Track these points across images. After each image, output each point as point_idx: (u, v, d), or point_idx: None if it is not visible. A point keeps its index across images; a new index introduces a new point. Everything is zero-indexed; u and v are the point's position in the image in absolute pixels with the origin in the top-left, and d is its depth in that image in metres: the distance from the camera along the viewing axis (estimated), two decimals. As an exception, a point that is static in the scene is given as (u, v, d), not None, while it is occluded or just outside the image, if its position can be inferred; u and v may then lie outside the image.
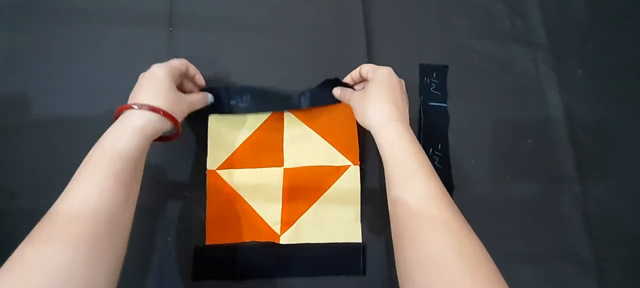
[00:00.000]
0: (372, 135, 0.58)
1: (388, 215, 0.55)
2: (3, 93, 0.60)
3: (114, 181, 0.41)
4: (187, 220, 0.55)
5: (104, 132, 0.57)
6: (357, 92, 0.54)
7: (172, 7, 0.64)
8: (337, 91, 0.57)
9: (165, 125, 0.47)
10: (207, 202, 0.56)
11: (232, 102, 0.57)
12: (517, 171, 0.58)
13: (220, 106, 0.57)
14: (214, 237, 0.55)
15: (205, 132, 0.58)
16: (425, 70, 0.62)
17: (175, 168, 0.57)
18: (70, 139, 0.58)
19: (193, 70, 0.54)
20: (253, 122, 0.59)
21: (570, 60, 0.64)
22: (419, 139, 0.58)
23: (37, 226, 0.38)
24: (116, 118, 0.47)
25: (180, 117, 0.49)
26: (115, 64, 0.61)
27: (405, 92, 0.53)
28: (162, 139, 0.50)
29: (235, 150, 0.58)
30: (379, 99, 0.50)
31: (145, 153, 0.46)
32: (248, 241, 0.55)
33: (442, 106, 0.61)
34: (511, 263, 0.55)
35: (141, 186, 0.56)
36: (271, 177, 0.57)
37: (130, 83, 0.60)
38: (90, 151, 0.43)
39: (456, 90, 0.62)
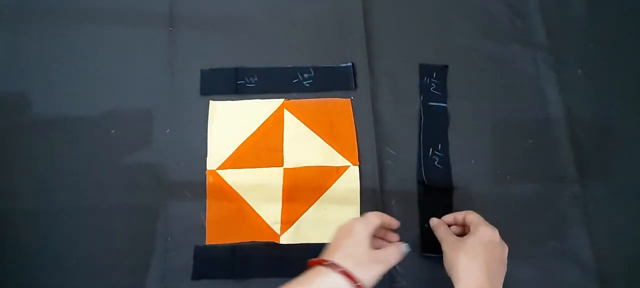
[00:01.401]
0: (371, 135, 0.59)
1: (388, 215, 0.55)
2: (3, 93, 0.60)
3: None
4: (187, 220, 0.55)
5: (104, 132, 0.57)
6: (452, 237, 0.49)
7: (172, 7, 0.64)
8: (434, 220, 0.53)
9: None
10: (207, 202, 0.56)
11: (240, 83, 0.59)
12: (517, 171, 0.58)
13: (227, 87, 0.59)
14: (214, 237, 0.55)
15: (205, 132, 0.58)
16: (425, 70, 0.62)
17: (175, 168, 0.57)
18: (70, 139, 0.58)
19: (387, 219, 0.49)
20: (253, 122, 0.59)
21: (570, 60, 0.63)
22: (419, 139, 0.58)
23: None
24: (308, 267, 0.43)
25: (370, 284, 0.43)
26: (115, 64, 0.61)
27: (505, 260, 0.48)
28: None
29: (235, 150, 0.58)
30: (473, 261, 0.45)
31: None
32: (248, 241, 0.55)
33: (442, 106, 0.60)
34: (511, 263, 0.54)
35: (141, 186, 0.56)
36: (271, 177, 0.57)
37: (130, 83, 0.60)
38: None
39: (456, 90, 0.62)
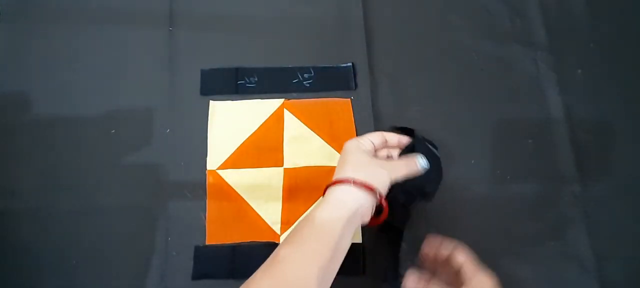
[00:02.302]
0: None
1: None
2: (3, 93, 0.60)
3: (316, 266, 0.38)
4: (187, 220, 0.55)
5: (103, 132, 0.57)
6: None
7: (172, 7, 0.64)
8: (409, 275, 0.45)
9: (365, 199, 0.42)
10: (207, 202, 0.56)
11: (240, 83, 0.59)
12: (517, 171, 0.58)
13: (227, 87, 0.59)
14: (214, 237, 0.55)
15: (205, 132, 0.58)
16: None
17: (175, 168, 0.57)
18: (70, 139, 0.58)
19: (394, 139, 0.48)
20: (253, 122, 0.59)
21: (570, 60, 0.63)
22: None
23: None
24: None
25: (382, 188, 0.42)
26: (115, 64, 0.61)
27: None
28: (373, 221, 0.44)
29: (235, 150, 0.58)
30: None
31: (349, 235, 0.41)
32: (248, 241, 0.55)
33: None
34: (511, 263, 0.55)
35: (141, 186, 0.56)
36: (271, 177, 0.57)
37: (130, 83, 0.60)
38: (300, 223, 0.42)
39: (456, 90, 0.62)
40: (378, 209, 0.44)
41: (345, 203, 0.41)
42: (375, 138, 0.47)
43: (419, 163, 0.46)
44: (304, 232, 0.40)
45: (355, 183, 0.41)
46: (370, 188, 0.41)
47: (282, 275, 0.37)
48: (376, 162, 0.44)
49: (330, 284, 0.39)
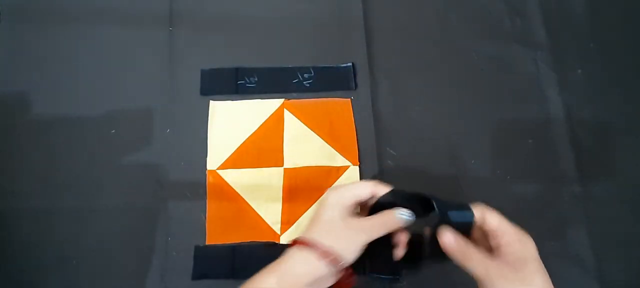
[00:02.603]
0: (371, 135, 0.59)
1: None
2: (3, 93, 0.60)
3: None
4: (187, 220, 0.55)
5: (103, 132, 0.57)
6: (494, 262, 0.38)
7: (172, 7, 0.64)
8: (450, 238, 0.39)
9: (328, 272, 0.38)
10: (207, 202, 0.56)
11: (240, 83, 0.59)
12: (517, 171, 0.58)
13: (227, 87, 0.59)
14: (214, 237, 0.55)
15: (205, 132, 0.58)
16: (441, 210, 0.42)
17: (175, 169, 0.57)
18: (70, 139, 0.58)
19: (381, 190, 0.42)
20: (253, 122, 0.59)
21: (570, 60, 0.63)
22: None
23: None
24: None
25: (349, 256, 0.39)
26: (115, 64, 0.61)
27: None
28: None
29: (235, 150, 0.58)
30: None
31: None
32: (248, 241, 0.55)
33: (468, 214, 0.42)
34: (511, 263, 0.55)
35: (141, 186, 0.56)
36: (271, 177, 0.57)
37: (130, 83, 0.60)
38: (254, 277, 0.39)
39: (456, 90, 0.62)
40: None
41: (303, 277, 0.38)
42: (362, 191, 0.42)
43: (398, 218, 0.41)
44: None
45: (318, 251, 0.38)
46: (334, 260, 0.38)
47: None
48: (352, 224, 0.40)
49: None
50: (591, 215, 0.57)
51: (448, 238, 0.39)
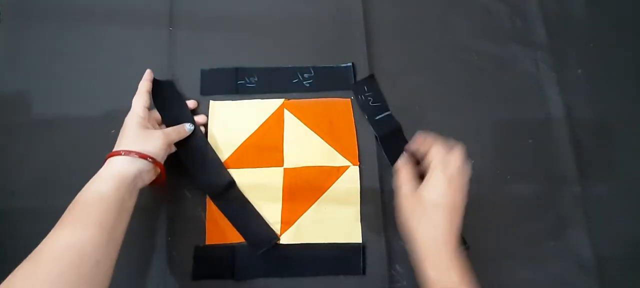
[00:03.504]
0: (371, 135, 0.59)
1: (388, 215, 0.55)
2: (3, 93, 0.60)
3: (99, 227, 0.42)
4: (187, 220, 0.55)
5: (103, 132, 0.57)
6: (409, 186, 0.48)
7: (172, 7, 0.64)
8: (399, 163, 0.51)
9: (144, 167, 0.48)
10: (207, 201, 0.56)
11: (240, 83, 0.60)
12: (517, 171, 0.58)
13: (227, 87, 0.60)
14: (214, 237, 0.54)
15: (206, 132, 0.58)
16: (356, 88, 0.60)
17: (175, 169, 0.57)
18: (70, 139, 0.58)
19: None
20: (253, 122, 0.59)
21: (570, 60, 0.63)
22: (385, 158, 0.58)
23: (21, 265, 0.38)
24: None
25: (159, 156, 0.50)
26: (115, 64, 0.61)
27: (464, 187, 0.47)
28: (155, 181, 0.51)
29: (235, 150, 0.58)
30: (435, 220, 0.44)
31: (130, 198, 0.47)
32: (248, 241, 0.55)
33: (387, 114, 0.59)
34: (511, 263, 0.55)
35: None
36: (271, 177, 0.57)
37: (130, 83, 0.60)
38: (77, 196, 0.44)
39: (456, 90, 0.62)
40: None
41: (123, 174, 0.46)
42: (141, 100, 0.53)
43: (187, 128, 0.55)
44: (89, 209, 0.43)
45: (132, 153, 0.47)
46: (144, 157, 0.48)
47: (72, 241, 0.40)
48: (151, 132, 0.51)
49: (121, 240, 0.44)
50: (591, 215, 0.57)
51: (400, 161, 0.52)
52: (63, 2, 0.64)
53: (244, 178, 0.57)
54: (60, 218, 0.42)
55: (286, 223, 0.55)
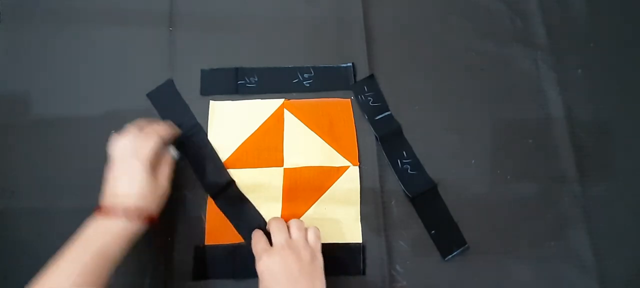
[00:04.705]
0: (371, 135, 0.59)
1: (388, 215, 0.56)
2: (3, 93, 0.60)
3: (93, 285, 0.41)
4: (187, 220, 0.55)
5: (103, 131, 0.57)
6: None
7: (172, 7, 0.64)
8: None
9: (147, 225, 0.47)
10: (207, 201, 0.56)
11: (240, 83, 0.60)
12: (517, 171, 0.58)
13: (227, 87, 0.60)
14: (214, 237, 0.55)
15: (206, 132, 0.58)
16: (356, 88, 0.60)
17: (175, 169, 0.57)
18: (70, 139, 0.58)
19: (166, 133, 0.52)
20: (253, 122, 0.59)
21: (570, 60, 0.63)
22: (386, 158, 0.58)
23: None
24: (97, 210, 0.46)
25: (159, 208, 0.48)
26: (115, 64, 0.61)
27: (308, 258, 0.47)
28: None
29: (235, 150, 0.58)
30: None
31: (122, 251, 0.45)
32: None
33: (387, 115, 0.60)
34: (511, 263, 0.55)
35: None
36: (271, 177, 0.57)
37: (130, 83, 0.60)
38: (74, 244, 0.43)
39: (456, 90, 0.62)
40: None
41: (132, 238, 0.44)
42: (164, 131, 0.49)
43: (171, 154, 0.53)
44: (93, 269, 0.41)
45: (145, 220, 0.44)
46: (153, 221, 0.45)
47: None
48: (157, 184, 0.47)
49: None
50: (591, 215, 0.57)
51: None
52: (63, 2, 0.64)
53: (244, 178, 0.57)
54: (54, 268, 0.41)
55: (286, 223, 0.55)
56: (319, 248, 0.48)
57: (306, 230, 0.49)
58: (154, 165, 0.48)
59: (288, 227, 0.49)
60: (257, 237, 0.50)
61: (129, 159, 0.47)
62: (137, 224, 0.45)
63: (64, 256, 0.42)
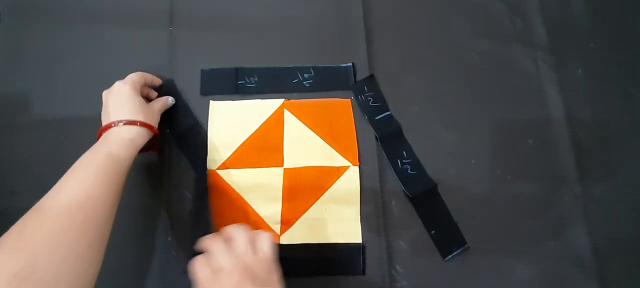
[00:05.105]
0: (371, 135, 0.59)
1: (388, 215, 0.56)
2: (3, 93, 0.60)
3: (107, 186, 0.44)
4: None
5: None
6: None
7: (172, 7, 0.64)
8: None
9: (148, 136, 0.51)
10: (207, 202, 0.56)
11: (240, 83, 0.60)
12: (517, 171, 0.58)
13: (227, 87, 0.60)
14: (214, 237, 0.55)
15: (206, 132, 0.58)
16: (356, 88, 0.60)
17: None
18: (70, 139, 0.58)
19: (149, 77, 0.57)
20: (253, 122, 0.59)
21: (570, 60, 0.63)
22: (386, 158, 0.58)
23: (30, 215, 0.41)
24: (98, 138, 0.49)
25: (155, 125, 0.52)
26: (115, 64, 0.61)
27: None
28: (143, 150, 0.52)
29: (235, 150, 0.58)
30: None
31: (131, 164, 0.48)
32: (248, 241, 0.55)
33: (387, 115, 0.60)
34: (511, 263, 0.55)
35: (141, 186, 0.57)
36: (271, 177, 0.57)
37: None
38: (83, 155, 0.46)
39: (456, 90, 0.62)
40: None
41: (134, 141, 0.49)
42: (138, 78, 0.54)
43: (170, 101, 0.58)
44: (105, 170, 0.45)
45: (140, 124, 0.50)
46: (150, 127, 0.51)
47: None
48: (148, 104, 0.53)
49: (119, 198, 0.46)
50: (591, 215, 0.57)
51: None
52: (63, 2, 0.64)
53: (244, 178, 0.57)
54: (68, 174, 0.44)
55: (286, 223, 0.55)
56: (274, 257, 0.43)
57: (256, 237, 0.44)
58: (143, 94, 0.54)
59: (230, 238, 0.44)
60: (200, 264, 0.42)
61: (115, 88, 0.52)
62: (137, 128, 0.49)
63: (74, 168, 0.44)
